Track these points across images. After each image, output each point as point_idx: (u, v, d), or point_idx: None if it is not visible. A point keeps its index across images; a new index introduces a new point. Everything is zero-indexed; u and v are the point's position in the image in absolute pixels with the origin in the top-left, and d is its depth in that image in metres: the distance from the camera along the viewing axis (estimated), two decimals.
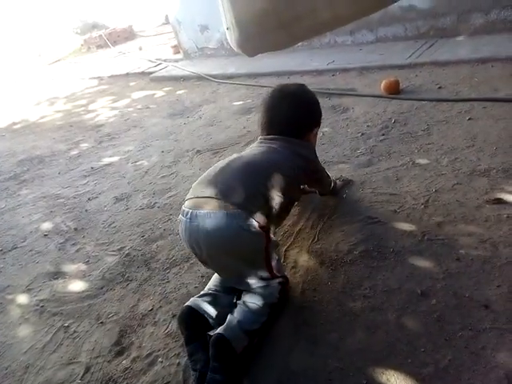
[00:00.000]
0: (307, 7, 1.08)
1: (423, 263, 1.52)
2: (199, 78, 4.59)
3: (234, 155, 1.64)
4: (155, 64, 5.61)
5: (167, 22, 6.65)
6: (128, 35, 9.02)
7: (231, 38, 1.30)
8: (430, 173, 1.99)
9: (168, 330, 1.52)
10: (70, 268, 1.99)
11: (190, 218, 1.39)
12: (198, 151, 2.85)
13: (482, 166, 1.94)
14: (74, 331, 1.62)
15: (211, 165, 2.54)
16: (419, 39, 3.98)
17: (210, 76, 4.49)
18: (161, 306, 1.64)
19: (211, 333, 1.34)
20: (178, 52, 5.73)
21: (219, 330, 1.31)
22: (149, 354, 1.45)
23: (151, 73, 5.26)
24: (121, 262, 1.93)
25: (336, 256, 1.64)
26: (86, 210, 2.44)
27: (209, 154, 2.78)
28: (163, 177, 2.63)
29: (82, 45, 9.24)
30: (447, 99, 2.69)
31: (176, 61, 5.54)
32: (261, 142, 1.67)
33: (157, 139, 3.26)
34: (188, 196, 1.51)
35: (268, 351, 1.34)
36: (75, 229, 2.28)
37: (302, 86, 1.71)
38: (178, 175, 2.60)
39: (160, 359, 1.42)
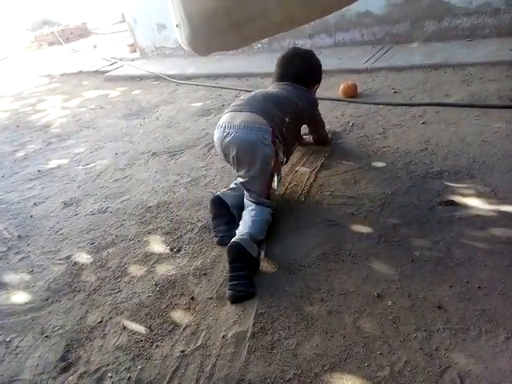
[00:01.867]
0: (259, 7, 1.05)
1: (379, 265, 1.53)
2: (157, 77, 4.48)
3: (257, 91, 2.02)
4: (110, 63, 5.42)
5: (124, 20, 6.46)
6: (82, 32, 8.69)
7: (181, 36, 1.25)
8: (386, 175, 2.02)
9: (118, 342, 1.44)
10: (12, 278, 1.84)
11: (224, 128, 1.79)
12: (154, 153, 2.75)
13: (434, 168, 1.99)
14: (17, 346, 1.50)
15: (168, 168, 2.51)
16: (376, 44, 4.07)
17: (169, 76, 4.38)
18: (111, 318, 1.55)
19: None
20: (135, 51, 5.57)
21: (234, 239, 1.62)
22: (97, 369, 1.36)
23: (106, 72, 5.08)
24: (68, 271, 1.82)
25: (294, 260, 1.62)
26: (31, 216, 2.29)
27: (165, 156, 2.69)
28: (116, 180, 2.51)
29: (32, 42, 8.80)
30: (402, 103, 2.75)
31: (132, 60, 5.38)
32: (276, 86, 2.04)
33: (110, 141, 3.13)
34: (226, 111, 1.92)
35: (224, 362, 1.29)
36: (19, 236, 2.13)
37: (311, 50, 2.14)
38: (133, 178, 2.49)
39: (109, 374, 1.33)
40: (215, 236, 1.81)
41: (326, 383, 1.18)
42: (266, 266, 1.63)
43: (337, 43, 4.32)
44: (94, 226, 2.09)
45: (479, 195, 1.76)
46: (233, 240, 1.62)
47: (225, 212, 1.85)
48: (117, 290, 1.67)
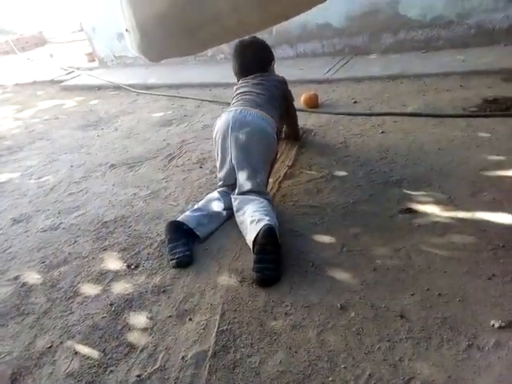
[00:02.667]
0: (212, 12, 1.01)
1: (342, 275, 1.51)
2: (116, 87, 4.36)
3: (246, 95, 2.11)
4: (67, 72, 5.24)
5: (82, 29, 6.29)
6: (38, 41, 8.39)
7: (131, 42, 1.19)
8: (348, 184, 2.02)
9: (69, 369, 1.34)
10: None
11: (241, 112, 1.93)
12: (112, 165, 2.65)
13: (394, 177, 2.01)
14: None
15: (126, 180, 2.42)
16: (336, 56, 4.15)
17: (129, 86, 4.28)
18: (61, 342, 1.44)
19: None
20: (93, 60, 5.42)
21: (268, 222, 1.62)
22: None
23: (62, 81, 4.90)
24: (16, 292, 1.69)
25: None
26: None
27: (124, 168, 2.59)
28: (71, 194, 2.39)
29: None
30: (362, 113, 2.80)
31: (91, 69, 5.23)
32: (247, 83, 2.18)
33: (65, 153, 2.99)
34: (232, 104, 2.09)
35: None
36: None
37: (255, 37, 2.25)
38: (89, 192, 2.38)
39: None
40: (172, 259, 1.68)
41: None
42: (228, 279, 1.58)
43: (298, 54, 4.37)
44: (46, 244, 1.97)
45: (437, 202, 1.79)
46: (267, 222, 1.61)
47: (181, 235, 1.75)
48: (68, 311, 1.57)
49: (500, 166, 1.96)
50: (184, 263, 1.65)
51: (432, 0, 3.62)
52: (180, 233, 1.75)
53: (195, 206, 1.91)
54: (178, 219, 1.82)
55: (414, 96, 2.93)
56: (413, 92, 3.00)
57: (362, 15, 3.95)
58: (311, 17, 3.98)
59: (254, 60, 2.22)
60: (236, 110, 1.96)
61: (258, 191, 1.84)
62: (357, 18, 3.98)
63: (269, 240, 1.56)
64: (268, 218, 1.65)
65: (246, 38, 2.25)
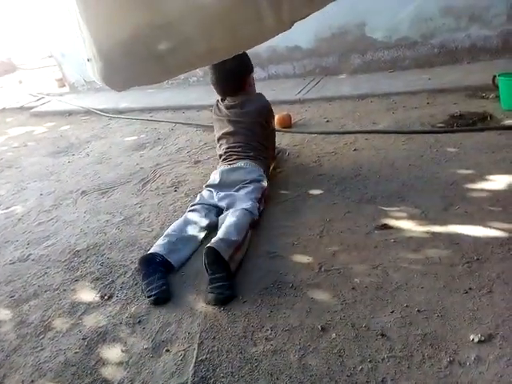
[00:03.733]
0: (180, 38, 1.01)
1: (322, 296, 1.50)
2: (87, 112, 4.30)
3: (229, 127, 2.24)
4: (37, 98, 5.14)
5: (52, 55, 6.22)
6: (7, 68, 8.24)
7: (94, 71, 1.17)
8: (324, 203, 2.03)
9: None
10: None
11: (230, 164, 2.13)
12: (84, 192, 2.58)
13: (368, 193, 2.03)
14: None
15: (98, 207, 2.36)
16: (306, 77, 4.23)
17: (100, 110, 4.23)
18: (32, 381, 1.36)
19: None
20: (64, 85, 5.35)
21: (209, 244, 1.64)
22: None
23: (32, 107, 4.80)
24: None
25: (234, 297, 1.54)
26: None
27: (96, 194, 2.53)
28: (40, 223, 2.31)
29: None
30: (335, 132, 2.84)
31: (61, 95, 5.15)
32: (228, 116, 2.25)
33: (35, 180, 2.90)
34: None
35: None
36: None
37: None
38: (59, 220, 2.30)
39: None
40: (149, 296, 1.60)
41: None
42: (205, 306, 1.54)
43: (270, 76, 4.44)
44: (14, 277, 1.88)
45: (411, 217, 1.81)
46: (209, 244, 1.63)
47: (155, 268, 1.68)
48: (39, 348, 1.49)
49: (469, 179, 2.01)
50: (162, 299, 1.58)
51: (397, 22, 3.77)
52: (153, 266, 1.68)
53: (167, 231, 1.86)
54: (149, 252, 1.76)
55: (384, 114, 3.00)
56: (382, 110, 3.08)
57: (331, 37, 4.06)
58: (280, 40, 4.02)
59: (232, 74, 2.20)
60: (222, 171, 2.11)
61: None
62: (326, 39, 4.10)
63: (211, 260, 1.60)
64: (219, 237, 1.68)
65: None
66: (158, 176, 2.64)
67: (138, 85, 1.33)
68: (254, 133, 2.21)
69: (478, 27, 3.57)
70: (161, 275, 1.66)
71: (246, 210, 1.85)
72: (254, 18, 1.05)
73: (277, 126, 3.05)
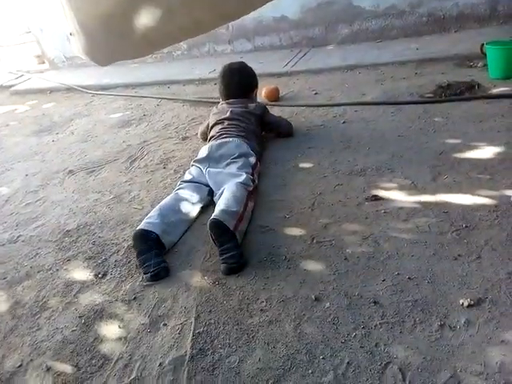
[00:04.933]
0: (162, 11, 0.97)
1: (315, 267, 1.52)
2: (69, 89, 4.19)
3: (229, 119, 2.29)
4: (16, 76, 4.98)
5: (30, 31, 5.99)
6: None
7: (77, 46, 1.13)
8: (314, 176, 2.04)
9: None
10: None
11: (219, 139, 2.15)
12: (71, 171, 2.54)
13: (358, 165, 2.04)
14: None
15: (86, 186, 2.33)
16: (293, 48, 4.17)
17: (83, 87, 4.12)
18: (31, 360, 1.37)
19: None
20: (43, 62, 5.19)
21: (212, 217, 1.64)
22: None
23: (12, 86, 4.66)
24: None
25: None
26: None
27: (83, 173, 2.49)
28: (28, 204, 2.27)
29: None
30: (323, 104, 2.83)
31: (41, 71, 5.00)
32: (234, 110, 2.33)
33: (19, 161, 2.84)
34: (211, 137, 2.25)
35: None
36: None
37: (243, 62, 2.56)
38: (47, 201, 2.27)
39: None
40: (146, 273, 1.59)
41: None
42: (200, 280, 1.55)
43: (256, 48, 4.36)
44: (5, 259, 1.86)
45: (400, 188, 1.83)
46: (212, 217, 1.64)
47: (151, 245, 1.66)
48: (36, 327, 1.49)
49: (457, 149, 2.03)
50: (161, 276, 1.58)
51: None
52: (149, 243, 1.67)
53: (160, 208, 1.82)
54: (143, 228, 1.71)
55: (373, 85, 2.99)
56: (371, 81, 3.06)
57: (317, 7, 3.99)
58: (266, 10, 3.97)
59: (239, 86, 2.44)
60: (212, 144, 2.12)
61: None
62: (312, 9, 4.02)
63: (217, 232, 1.61)
64: (220, 209, 1.68)
65: (235, 63, 2.54)
66: (145, 153, 2.61)
67: (122, 59, 1.29)
68: (249, 120, 2.29)
69: None
70: (158, 252, 1.65)
71: (240, 183, 1.84)
72: None
73: (265, 100, 3.03)
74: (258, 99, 2.68)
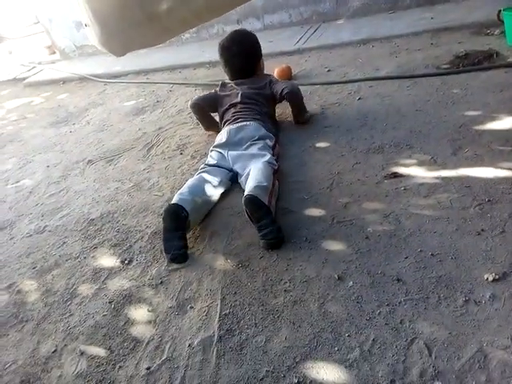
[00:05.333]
0: None
1: (336, 246, 1.53)
2: (82, 79, 4.21)
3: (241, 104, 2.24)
4: (29, 68, 5.01)
5: (38, 22, 5.98)
6: None
7: (92, 36, 1.13)
8: (331, 155, 2.03)
9: (78, 370, 1.33)
10: None
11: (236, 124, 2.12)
12: (90, 161, 2.58)
13: (376, 143, 2.02)
14: None
15: (106, 175, 2.36)
16: (304, 25, 4.08)
17: (95, 76, 4.13)
18: (66, 345, 1.43)
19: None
20: (54, 52, 5.20)
21: (246, 193, 1.65)
22: None
23: (25, 78, 4.69)
24: (11, 301, 1.66)
25: (252, 254, 1.59)
26: None
27: (102, 162, 2.53)
28: (52, 195, 2.33)
29: None
30: (337, 82, 2.78)
31: (53, 62, 5.02)
32: (239, 88, 2.29)
33: (39, 153, 2.89)
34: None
35: (193, 372, 1.24)
36: None
37: (245, 31, 2.36)
38: (70, 191, 2.32)
39: None
40: (167, 252, 1.65)
41: (299, 375, 1.16)
42: (224, 264, 1.58)
43: (266, 26, 4.28)
44: (34, 249, 1.92)
45: (420, 164, 1.81)
46: (246, 194, 1.65)
47: (179, 225, 1.68)
48: (68, 314, 1.55)
49: (477, 121, 1.99)
50: (178, 261, 1.62)
51: None
52: (178, 222, 1.68)
53: (189, 186, 1.83)
54: (177, 202, 1.72)
55: (387, 59, 2.92)
56: (385, 55, 2.99)
57: None
58: None
59: (244, 66, 2.30)
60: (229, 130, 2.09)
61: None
62: None
63: (252, 208, 1.61)
64: (253, 185, 1.68)
65: (231, 37, 2.29)
66: (161, 140, 2.62)
67: (137, 48, 1.29)
68: (261, 102, 2.24)
69: None
70: (181, 234, 1.67)
71: (265, 161, 1.86)
72: None
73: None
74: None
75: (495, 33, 2.85)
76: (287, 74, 3.00)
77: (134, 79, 3.86)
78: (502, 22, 2.68)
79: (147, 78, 3.82)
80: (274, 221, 1.61)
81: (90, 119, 3.25)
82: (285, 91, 2.25)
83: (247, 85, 2.29)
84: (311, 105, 2.54)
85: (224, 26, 4.41)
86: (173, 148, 2.48)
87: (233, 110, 2.22)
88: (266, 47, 3.66)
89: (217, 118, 2.40)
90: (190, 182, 1.88)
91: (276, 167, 1.89)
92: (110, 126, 3.04)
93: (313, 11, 4.06)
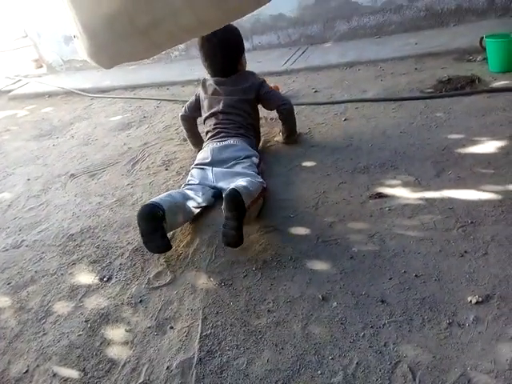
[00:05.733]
0: (166, 9, 0.96)
1: (321, 266, 1.51)
2: (68, 93, 4.18)
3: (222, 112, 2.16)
4: (14, 81, 4.97)
5: (26, 35, 5.97)
6: None
7: (81, 48, 1.12)
8: (317, 174, 2.03)
9: None
10: None
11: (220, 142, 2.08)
12: (72, 175, 2.53)
13: (361, 163, 2.03)
14: None
15: (89, 190, 2.32)
16: (292, 46, 4.16)
17: (81, 91, 4.11)
18: (38, 365, 1.36)
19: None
20: (41, 66, 5.17)
21: (233, 186, 1.63)
22: None
23: (10, 91, 4.65)
24: None
25: (236, 272, 1.55)
26: None
27: (85, 176, 2.49)
28: (31, 209, 2.26)
29: None
30: (324, 102, 2.82)
31: (39, 76, 4.99)
32: (220, 91, 2.18)
33: (21, 166, 2.83)
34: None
35: None
36: None
37: (226, 28, 2.05)
38: (50, 205, 2.26)
39: None
40: (149, 249, 1.65)
41: None
42: (206, 282, 1.54)
43: (254, 47, 4.35)
44: (9, 264, 1.86)
45: (404, 185, 1.82)
46: (232, 188, 1.62)
47: (157, 225, 1.59)
48: (42, 332, 1.48)
49: (460, 144, 2.02)
50: (164, 250, 1.64)
51: None
52: (156, 223, 1.60)
53: (169, 192, 1.81)
54: (150, 202, 1.64)
55: (372, 81, 2.98)
56: (371, 78, 3.05)
57: (315, 4, 3.97)
58: (263, 8, 3.96)
59: (226, 62, 2.16)
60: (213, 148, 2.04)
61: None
62: (309, 6, 4.00)
63: (230, 204, 1.58)
64: (241, 184, 1.67)
65: (215, 33, 2.14)
66: (147, 155, 2.60)
67: (126, 61, 1.28)
68: (244, 111, 2.16)
69: None
70: (163, 233, 1.61)
71: (254, 177, 1.85)
72: None
73: None
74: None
75: (477, 59, 2.93)
76: None
77: (122, 94, 3.85)
78: (485, 48, 2.76)
79: (134, 94, 3.81)
80: (241, 226, 1.59)
81: (75, 133, 3.21)
82: (283, 107, 2.22)
83: (229, 85, 2.17)
84: (298, 124, 2.56)
85: None
86: (158, 164, 2.46)
87: (214, 121, 2.15)
88: (254, 67, 3.70)
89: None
90: (172, 191, 1.86)
91: (265, 185, 1.87)
92: (94, 140, 3.00)
93: (301, 34, 4.15)
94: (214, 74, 2.22)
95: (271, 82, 3.16)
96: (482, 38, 2.78)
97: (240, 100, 2.15)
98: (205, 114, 2.22)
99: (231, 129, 2.11)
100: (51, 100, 4.17)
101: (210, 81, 2.22)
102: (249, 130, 2.16)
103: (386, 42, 3.67)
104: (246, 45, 4.32)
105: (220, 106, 2.15)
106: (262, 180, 1.88)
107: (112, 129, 3.13)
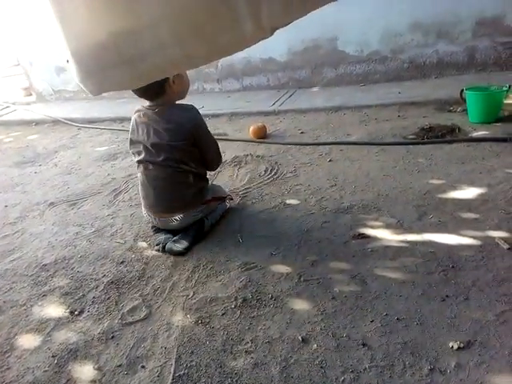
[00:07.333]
0: (154, 44, 0.98)
1: (302, 306, 1.48)
2: (55, 122, 4.18)
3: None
4: (2, 107, 4.96)
5: (19, 64, 6.03)
6: None
7: (73, 72, 1.13)
8: (301, 213, 2.03)
9: None
10: None
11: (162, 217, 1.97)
12: (52, 203, 2.48)
13: (344, 203, 2.05)
14: None
15: (67, 219, 2.26)
16: (280, 89, 4.29)
17: (69, 120, 4.11)
18: None
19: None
20: (30, 94, 5.20)
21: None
22: None
23: None
24: None
25: (214, 310, 1.50)
26: None
27: (65, 205, 2.43)
28: (5, 236, 2.19)
29: None
30: (310, 143, 2.87)
31: (27, 104, 5.00)
32: (143, 126, 1.85)
33: None
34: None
35: None
36: None
37: None
38: (25, 233, 2.19)
39: None
40: (156, 244, 1.89)
41: None
42: (182, 319, 1.48)
43: (244, 87, 4.47)
44: None
45: (387, 227, 1.83)
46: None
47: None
48: (5, 367, 1.39)
49: (441, 189, 2.06)
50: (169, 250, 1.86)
51: (367, 37, 3.89)
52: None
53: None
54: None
55: (357, 126, 3.06)
56: (355, 122, 3.14)
57: (304, 50, 4.14)
58: (255, 51, 4.12)
59: (152, 86, 1.64)
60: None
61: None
62: (299, 53, 4.17)
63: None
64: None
65: None
66: (130, 186, 2.57)
67: (113, 90, 1.28)
68: (181, 152, 1.80)
69: (445, 43, 3.74)
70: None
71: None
72: (232, 26, 1.03)
73: (252, 137, 3.06)
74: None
75: (458, 110, 3.06)
76: (262, 132, 3.08)
77: (109, 126, 3.86)
78: (465, 100, 2.89)
79: (122, 126, 3.82)
80: (193, 239, 1.86)
81: (58, 161, 3.18)
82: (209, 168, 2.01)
83: (157, 116, 1.80)
84: (283, 163, 2.59)
85: (204, 84, 4.57)
86: None
87: (145, 172, 1.85)
88: (243, 106, 3.79)
89: None
90: None
91: (209, 197, 1.99)
92: (78, 169, 2.97)
93: (289, 77, 4.29)
94: (138, 94, 1.83)
95: (259, 120, 3.24)
96: (463, 90, 2.92)
97: (172, 134, 1.79)
98: (136, 157, 1.92)
99: (166, 189, 1.87)
100: (38, 128, 4.16)
101: (143, 106, 1.90)
102: (187, 176, 1.87)
103: (371, 90, 3.81)
104: (236, 84, 4.46)
105: (149, 151, 1.83)
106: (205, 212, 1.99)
107: (97, 159, 3.11)
